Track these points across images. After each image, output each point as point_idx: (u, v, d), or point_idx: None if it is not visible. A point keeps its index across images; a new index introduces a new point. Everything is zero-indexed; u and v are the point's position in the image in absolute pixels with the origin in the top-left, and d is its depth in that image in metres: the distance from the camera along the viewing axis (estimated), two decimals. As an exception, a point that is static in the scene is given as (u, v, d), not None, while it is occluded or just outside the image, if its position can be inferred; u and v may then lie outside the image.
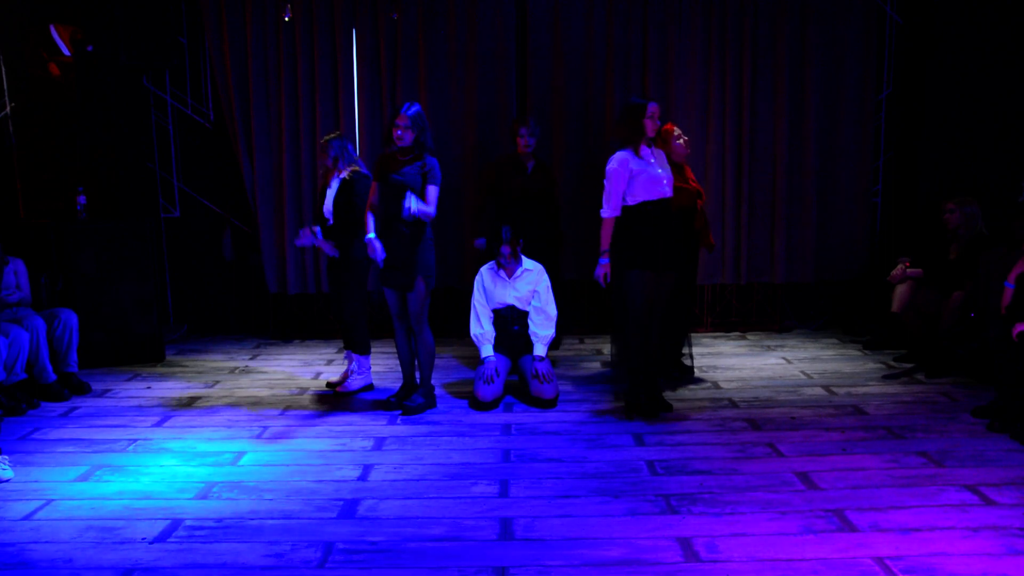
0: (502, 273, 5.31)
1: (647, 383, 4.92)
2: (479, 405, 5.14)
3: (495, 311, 5.35)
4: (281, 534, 3.43)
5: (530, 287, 5.31)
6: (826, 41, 6.93)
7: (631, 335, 4.86)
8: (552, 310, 5.33)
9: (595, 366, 6.14)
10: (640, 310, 4.77)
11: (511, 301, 5.30)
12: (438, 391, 5.40)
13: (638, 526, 3.47)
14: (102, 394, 5.55)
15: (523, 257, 5.32)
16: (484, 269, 5.38)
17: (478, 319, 5.33)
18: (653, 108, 4.74)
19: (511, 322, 5.34)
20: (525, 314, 5.34)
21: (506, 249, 5.19)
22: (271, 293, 7.11)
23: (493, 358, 5.25)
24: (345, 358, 5.60)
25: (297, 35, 6.72)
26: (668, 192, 4.77)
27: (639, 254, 4.73)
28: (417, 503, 3.73)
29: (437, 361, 6.32)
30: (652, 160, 4.77)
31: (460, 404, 5.25)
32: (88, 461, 4.29)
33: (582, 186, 6.88)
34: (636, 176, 4.71)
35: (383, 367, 6.08)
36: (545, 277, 5.34)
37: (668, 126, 5.34)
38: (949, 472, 4.02)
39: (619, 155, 4.72)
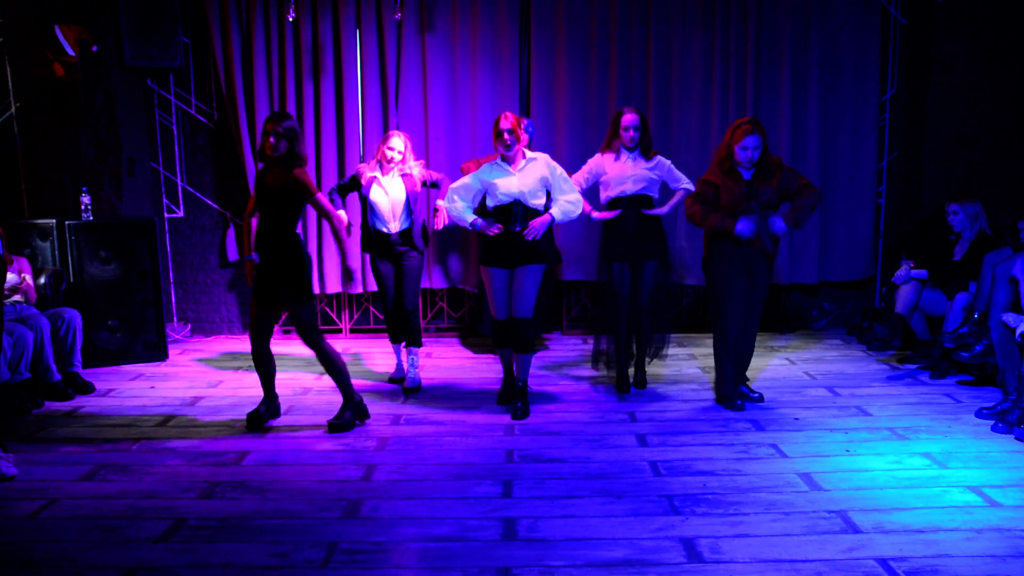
0: (504, 164, 4.90)
1: (638, 363, 5.56)
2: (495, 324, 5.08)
3: (497, 207, 4.89)
4: (284, 534, 3.44)
5: (537, 175, 4.87)
6: (829, 41, 6.90)
7: (616, 323, 5.38)
8: (573, 190, 4.94)
9: (601, 376, 6.13)
10: (620, 299, 5.32)
11: (516, 193, 4.83)
12: (443, 391, 5.41)
13: (641, 527, 3.47)
14: (106, 394, 5.56)
15: (526, 150, 5.00)
16: (487, 164, 5.03)
17: (453, 199, 4.94)
18: (627, 119, 5.20)
19: (514, 220, 4.85)
20: (531, 212, 4.87)
21: (505, 124, 4.79)
22: (274, 293, 7.12)
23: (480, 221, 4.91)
24: (410, 353, 5.58)
25: (300, 34, 6.73)
26: (629, 190, 5.22)
27: (611, 247, 5.30)
28: (420, 503, 3.74)
29: (441, 361, 6.35)
30: (630, 162, 5.26)
31: (464, 404, 5.25)
32: (92, 460, 4.30)
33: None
34: (610, 176, 5.30)
35: (389, 365, 6.09)
36: (555, 165, 4.93)
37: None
38: (953, 473, 4.01)
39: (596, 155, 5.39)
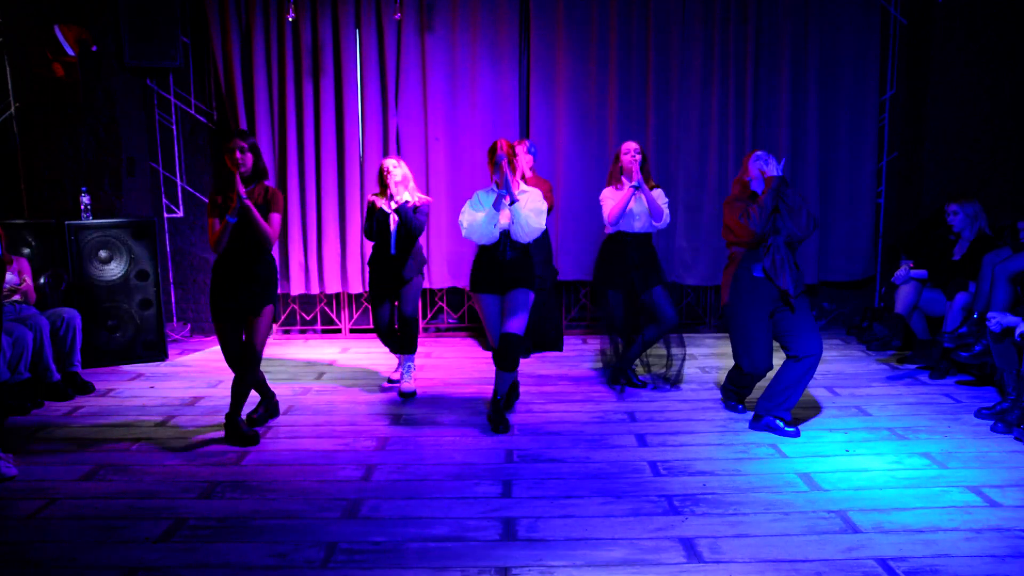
0: (499, 194, 4.74)
1: (624, 363, 5.56)
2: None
3: None
4: (284, 534, 3.44)
5: (527, 207, 4.74)
6: (829, 41, 6.91)
7: (617, 335, 5.55)
8: (541, 224, 4.75)
9: (597, 367, 6.13)
10: (621, 321, 5.41)
11: (507, 224, 4.72)
12: (443, 391, 5.39)
13: (641, 527, 3.47)
14: (105, 393, 5.56)
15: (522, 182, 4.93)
16: (481, 191, 4.90)
17: (467, 212, 4.76)
18: (626, 147, 5.29)
19: (504, 248, 4.77)
20: (521, 244, 4.81)
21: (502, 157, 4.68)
22: (274, 293, 7.12)
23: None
24: (405, 360, 5.53)
25: (300, 34, 6.73)
26: (641, 227, 5.26)
27: (614, 277, 5.32)
28: (420, 503, 3.74)
29: (440, 362, 6.36)
30: (632, 195, 5.22)
31: (463, 405, 5.25)
32: (91, 460, 4.30)
33: (582, 190, 6.89)
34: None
35: (387, 366, 6.09)
36: (543, 205, 4.76)
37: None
38: (952, 473, 4.01)
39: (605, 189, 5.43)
